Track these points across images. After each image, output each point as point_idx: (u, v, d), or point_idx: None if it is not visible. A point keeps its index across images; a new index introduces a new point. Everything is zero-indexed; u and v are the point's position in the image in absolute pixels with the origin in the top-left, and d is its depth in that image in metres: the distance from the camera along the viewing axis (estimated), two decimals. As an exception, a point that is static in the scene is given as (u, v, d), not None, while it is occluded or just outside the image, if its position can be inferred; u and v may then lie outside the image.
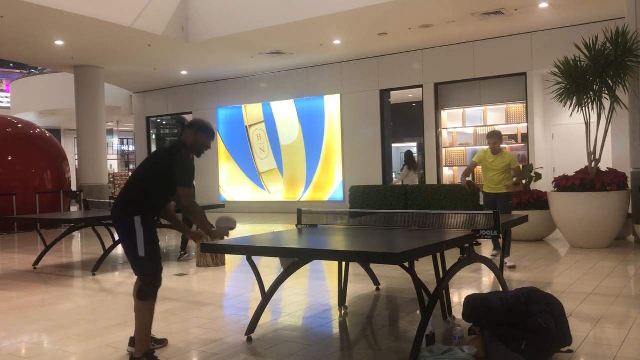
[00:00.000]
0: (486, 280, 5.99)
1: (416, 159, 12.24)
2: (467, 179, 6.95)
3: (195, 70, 15.51)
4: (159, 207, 3.79)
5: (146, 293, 3.58)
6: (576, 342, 3.72)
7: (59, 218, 8.59)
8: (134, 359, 3.59)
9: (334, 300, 5.28)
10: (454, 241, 3.69)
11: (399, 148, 20.48)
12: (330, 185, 15.08)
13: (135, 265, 3.64)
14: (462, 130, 13.50)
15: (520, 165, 7.20)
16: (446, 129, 13.55)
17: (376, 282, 5.62)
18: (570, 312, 4.49)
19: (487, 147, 6.98)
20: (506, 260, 6.37)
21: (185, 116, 19.40)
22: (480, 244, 8.06)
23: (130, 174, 25.79)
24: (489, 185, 6.92)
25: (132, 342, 3.80)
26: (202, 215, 3.79)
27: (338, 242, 4.06)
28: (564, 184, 8.02)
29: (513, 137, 12.70)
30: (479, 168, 7.41)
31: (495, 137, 6.83)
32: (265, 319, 4.51)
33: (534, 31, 11.97)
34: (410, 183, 11.92)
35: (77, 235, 11.56)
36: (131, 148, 22.98)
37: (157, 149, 3.96)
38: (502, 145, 7.01)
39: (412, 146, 19.94)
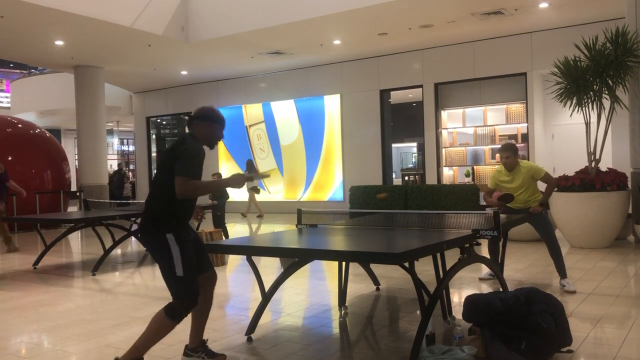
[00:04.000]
0: (486, 280, 5.98)
1: (255, 165, 15.08)
2: (497, 195, 5.66)
3: (195, 70, 15.51)
4: (189, 215, 3.43)
5: (178, 313, 3.23)
6: (576, 342, 3.72)
7: (59, 218, 8.59)
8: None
9: (334, 300, 5.28)
10: (454, 241, 3.69)
11: (399, 148, 20.52)
12: (330, 185, 15.08)
13: (171, 285, 3.29)
14: (462, 130, 13.50)
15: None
16: (446, 129, 13.55)
17: (376, 282, 5.62)
18: (570, 312, 4.49)
19: (501, 167, 5.76)
20: (563, 282, 5.45)
21: (185, 116, 19.40)
22: (480, 244, 8.06)
23: (131, 174, 25.46)
24: (514, 204, 5.64)
25: (186, 350, 3.62)
26: (205, 187, 3.47)
27: (338, 242, 4.06)
28: (564, 184, 8.02)
29: (513, 137, 12.69)
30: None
31: (508, 151, 5.54)
32: (265, 319, 4.51)
33: (534, 31, 11.97)
34: (251, 185, 14.34)
35: (77, 235, 11.56)
36: (131, 148, 23.02)
37: (167, 148, 3.78)
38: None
39: (412, 146, 19.98)
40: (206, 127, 3.56)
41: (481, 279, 5.94)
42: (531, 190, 5.62)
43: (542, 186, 5.75)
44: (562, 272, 5.54)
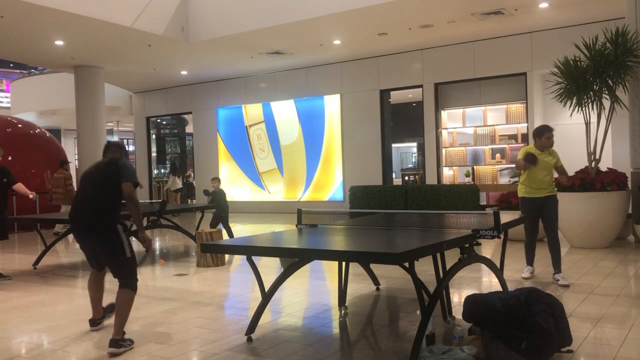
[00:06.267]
0: (486, 280, 5.99)
1: (178, 166, 17.32)
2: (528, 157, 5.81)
3: (195, 70, 15.51)
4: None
5: (135, 286, 4.17)
6: (576, 342, 3.72)
7: (59, 218, 8.58)
8: (115, 340, 3.93)
9: (334, 300, 5.28)
10: (454, 241, 3.69)
11: (399, 148, 20.52)
12: (330, 185, 15.08)
13: (122, 266, 4.17)
14: (462, 130, 13.50)
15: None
16: (446, 129, 13.55)
17: (376, 282, 5.62)
18: (570, 312, 4.49)
19: (532, 145, 6.10)
20: (558, 277, 5.70)
21: (185, 116, 19.41)
22: (480, 244, 8.07)
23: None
24: (539, 188, 5.89)
25: (94, 323, 4.55)
26: (139, 210, 4.26)
27: (338, 242, 4.06)
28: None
29: (513, 137, 12.70)
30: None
31: (551, 131, 6.00)
32: (265, 319, 4.51)
33: (534, 31, 11.97)
34: (175, 187, 16.47)
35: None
36: (131, 148, 23.02)
37: (100, 168, 4.47)
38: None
39: (412, 146, 19.99)
40: (126, 155, 4.54)
41: (524, 277, 5.97)
42: (551, 175, 5.96)
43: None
44: (557, 267, 5.81)
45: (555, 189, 6.13)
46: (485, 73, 12.67)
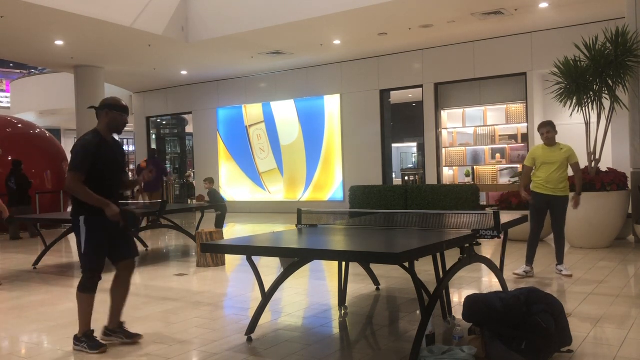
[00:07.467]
0: (486, 280, 5.99)
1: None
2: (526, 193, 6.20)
3: (195, 70, 15.51)
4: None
5: (83, 286, 3.99)
6: (576, 342, 3.72)
7: (59, 218, 8.58)
8: (75, 336, 4.00)
9: (334, 300, 5.28)
10: (454, 241, 3.69)
11: (399, 148, 20.52)
12: (330, 185, 15.08)
13: (80, 259, 4.05)
14: (462, 130, 13.50)
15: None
16: (446, 129, 13.55)
17: (376, 282, 5.62)
18: (570, 312, 4.49)
19: (540, 144, 6.19)
20: (560, 267, 6.03)
21: (186, 116, 19.41)
22: (480, 244, 8.07)
23: (131, 174, 25.54)
24: (546, 186, 5.97)
25: (104, 331, 4.17)
26: (87, 195, 3.85)
27: (338, 242, 4.06)
28: (564, 184, 8.02)
29: (513, 137, 12.70)
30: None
31: (547, 126, 5.98)
32: (265, 319, 4.51)
33: (534, 31, 11.97)
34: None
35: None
36: (131, 148, 23.03)
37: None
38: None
39: (412, 146, 19.99)
40: (105, 114, 3.99)
41: (516, 275, 6.00)
42: (563, 171, 5.98)
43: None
44: (560, 259, 6.08)
45: (568, 191, 6.07)
46: (485, 73, 12.67)
